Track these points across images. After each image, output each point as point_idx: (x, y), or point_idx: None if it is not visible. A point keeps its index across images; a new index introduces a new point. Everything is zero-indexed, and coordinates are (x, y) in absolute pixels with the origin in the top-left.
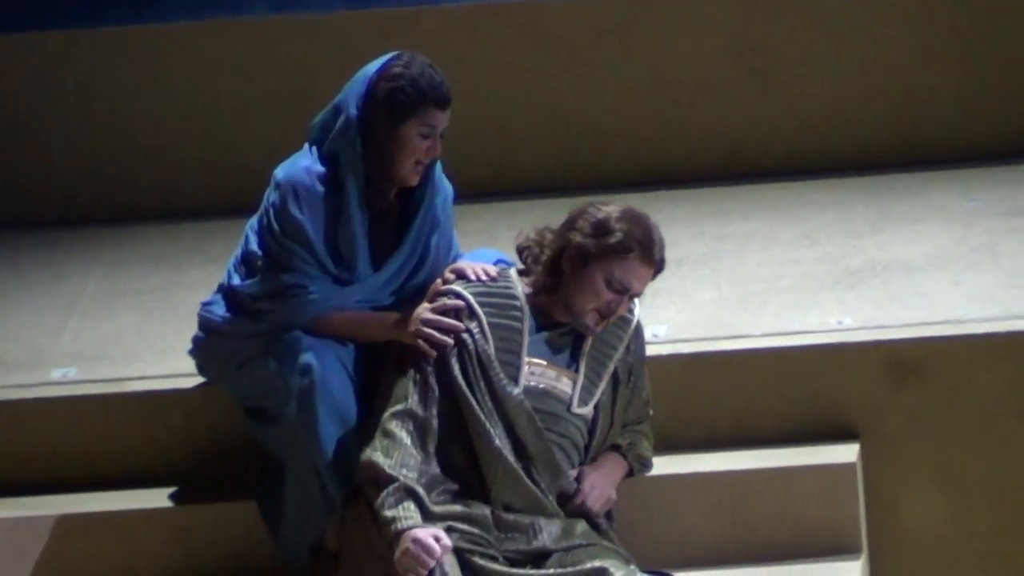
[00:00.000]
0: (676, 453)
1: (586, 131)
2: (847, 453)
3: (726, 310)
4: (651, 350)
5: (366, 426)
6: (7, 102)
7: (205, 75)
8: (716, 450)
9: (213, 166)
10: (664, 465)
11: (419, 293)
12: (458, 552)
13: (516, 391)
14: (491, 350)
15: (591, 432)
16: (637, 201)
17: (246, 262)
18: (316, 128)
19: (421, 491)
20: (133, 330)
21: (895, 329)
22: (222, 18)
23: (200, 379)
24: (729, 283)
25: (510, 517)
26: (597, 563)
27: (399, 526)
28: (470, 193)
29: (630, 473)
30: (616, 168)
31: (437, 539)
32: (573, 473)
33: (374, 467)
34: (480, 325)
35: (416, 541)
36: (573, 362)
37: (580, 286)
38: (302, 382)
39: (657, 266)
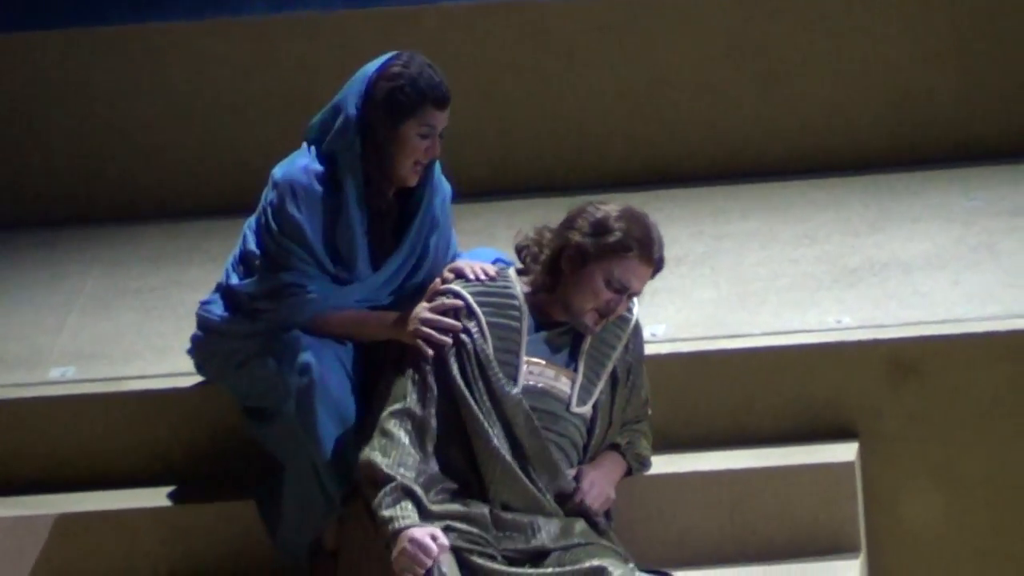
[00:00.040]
0: (675, 452)
1: (585, 130)
2: (846, 452)
3: (725, 309)
4: (650, 349)
5: (365, 425)
6: (6, 101)
7: (204, 74)
8: (715, 449)
9: (212, 165)
10: (663, 464)
11: (418, 292)
12: (456, 551)
13: (515, 390)
14: (490, 349)
15: (590, 431)
16: (636, 200)
17: (244, 261)
18: (315, 128)
19: (419, 490)
20: (132, 329)
21: (894, 328)
22: (222, 17)
23: (199, 378)
24: (728, 282)
25: (508, 516)
26: (595, 562)
27: (396, 525)
28: (469, 192)
29: (629, 472)
30: (615, 167)
31: (434, 538)
32: (572, 472)
33: (372, 466)
34: (479, 324)
35: (413, 541)
36: (572, 361)
37: (579, 285)
38: (301, 381)
39: (656, 265)
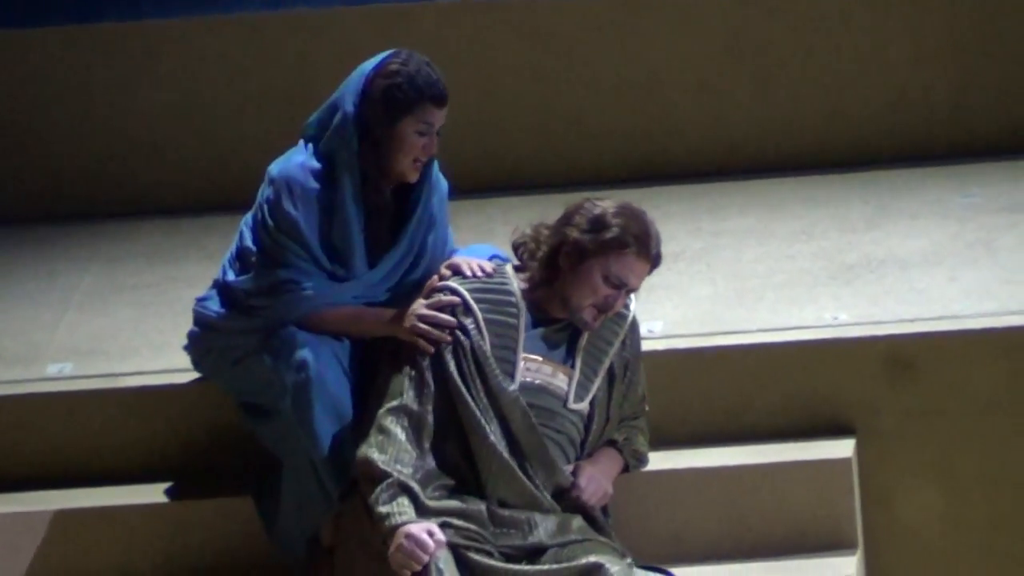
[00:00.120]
0: (672, 448)
1: (583, 127)
2: (843, 449)
3: (722, 306)
4: (647, 345)
5: (362, 422)
6: (3, 98)
7: (202, 71)
8: (712, 445)
9: (209, 162)
10: (660, 460)
11: (415, 289)
12: (453, 548)
13: (512, 387)
14: (487, 346)
15: (587, 428)
16: (633, 197)
17: (241, 258)
18: (312, 125)
19: (416, 487)
20: (129, 325)
21: (891, 325)
22: (219, 14)
23: (196, 374)
24: (725, 279)
25: (505, 513)
26: (592, 558)
27: (393, 522)
28: (466, 189)
29: (626, 468)
30: (612, 164)
31: (431, 534)
32: (569, 468)
33: (369, 463)
34: (476, 321)
35: (409, 537)
36: (569, 358)
37: (577, 281)
38: (297, 377)
39: (653, 261)
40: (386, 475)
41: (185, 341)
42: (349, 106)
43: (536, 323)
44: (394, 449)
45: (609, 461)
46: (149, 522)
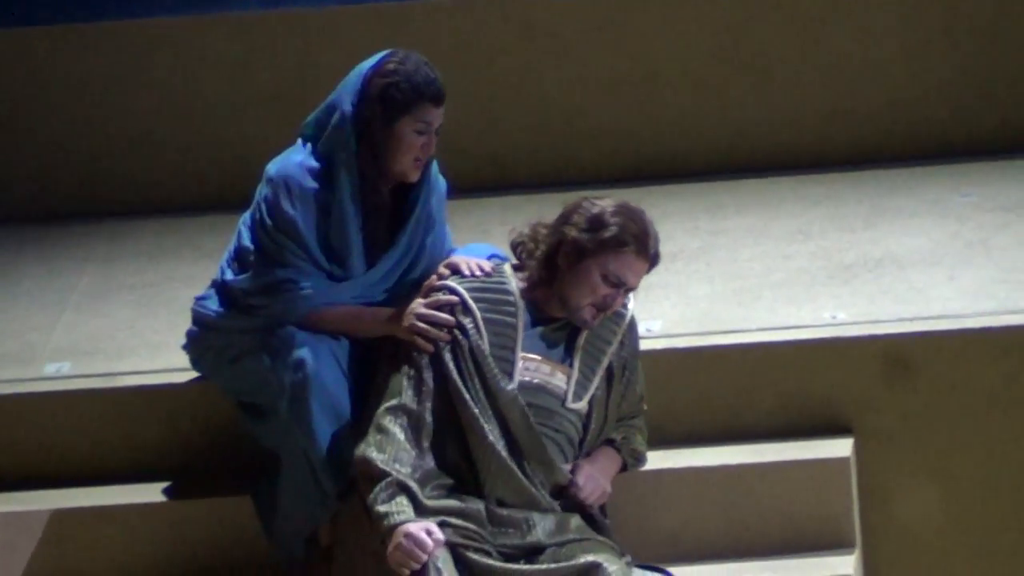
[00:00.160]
0: (670, 448)
1: (579, 126)
2: (841, 448)
3: (720, 305)
4: (645, 345)
5: (360, 421)
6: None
7: (198, 70)
8: (710, 445)
9: (207, 161)
10: (658, 460)
11: (413, 289)
12: (452, 547)
13: (510, 386)
14: (485, 345)
15: (585, 427)
16: (631, 196)
17: (239, 257)
18: (310, 125)
19: (414, 486)
20: (127, 325)
21: (889, 324)
22: (215, 13)
23: (194, 374)
24: (723, 278)
25: (504, 512)
26: (591, 557)
27: (392, 521)
28: (463, 188)
29: (624, 468)
30: (609, 163)
31: (429, 533)
32: (568, 467)
33: (367, 462)
34: (474, 320)
35: (408, 536)
36: (567, 357)
37: (576, 281)
38: (295, 377)
39: (652, 260)
40: (385, 474)
41: (183, 340)
42: (347, 106)
43: (534, 322)
44: (393, 448)
45: (607, 460)
46: (147, 521)
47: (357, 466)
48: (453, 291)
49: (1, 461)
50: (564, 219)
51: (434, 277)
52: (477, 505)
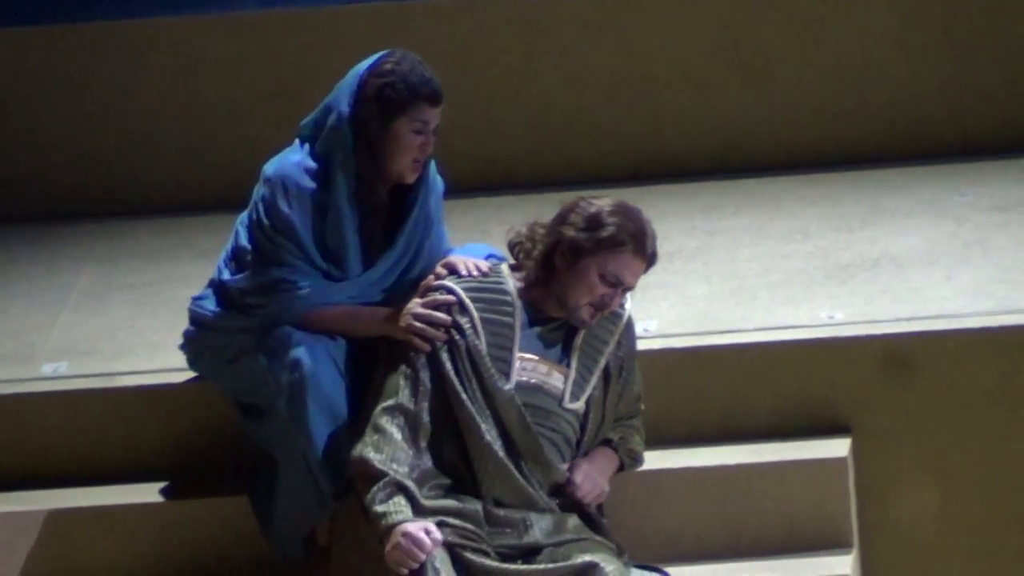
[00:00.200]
0: (667, 448)
1: (577, 126)
2: (838, 447)
3: (717, 305)
4: (642, 345)
5: (357, 421)
6: None
7: (196, 70)
8: (707, 445)
9: (204, 161)
10: (655, 460)
11: (411, 288)
12: (449, 547)
13: (507, 387)
14: (482, 345)
15: (583, 427)
16: (628, 196)
17: (236, 257)
18: (307, 127)
19: (412, 486)
20: (124, 325)
21: (886, 324)
22: (214, 13)
23: (192, 374)
24: (720, 278)
25: (501, 512)
26: (588, 557)
27: (390, 520)
28: (460, 188)
29: (621, 468)
30: (606, 163)
31: (428, 532)
32: (565, 466)
33: (365, 462)
34: (472, 320)
35: (407, 535)
36: (564, 357)
37: (573, 280)
38: (292, 377)
39: (650, 260)
40: (382, 474)
41: (181, 340)
42: (344, 107)
43: (532, 322)
44: (390, 448)
45: (605, 460)
46: (144, 521)
47: (354, 466)
48: (450, 291)
49: None
50: (561, 219)
51: (431, 277)
52: (474, 505)
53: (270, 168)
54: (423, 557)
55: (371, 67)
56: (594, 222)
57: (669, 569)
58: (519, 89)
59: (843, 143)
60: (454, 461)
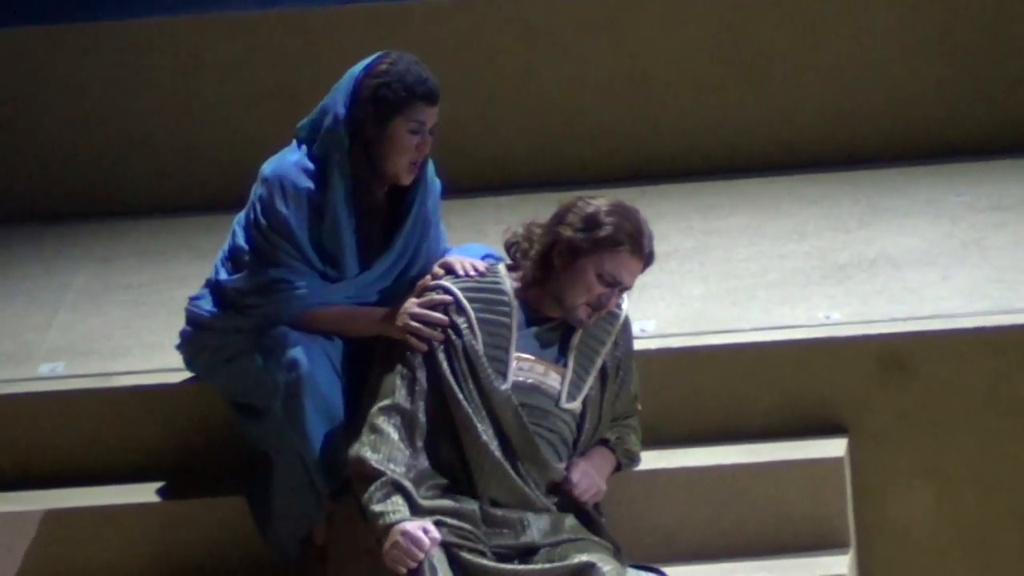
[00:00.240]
0: (664, 448)
1: (575, 126)
2: (835, 448)
3: (714, 305)
4: (639, 345)
5: (354, 421)
6: None
7: (194, 70)
8: (704, 445)
9: (202, 161)
10: (652, 460)
11: (408, 288)
12: (446, 547)
13: (504, 386)
14: (479, 345)
15: (579, 427)
16: (625, 196)
17: (233, 257)
18: (304, 128)
19: (409, 485)
20: (121, 325)
21: (883, 324)
22: (215, 13)
23: (188, 374)
24: (717, 278)
25: (498, 512)
26: (585, 557)
27: (388, 520)
28: (457, 188)
29: (618, 467)
30: (604, 163)
31: (426, 531)
32: (562, 465)
33: (362, 462)
34: (468, 320)
35: (405, 534)
36: (561, 357)
37: (571, 280)
38: (288, 377)
39: (647, 259)
40: (379, 474)
41: (178, 340)
42: (340, 108)
43: (529, 322)
44: (387, 448)
45: (602, 459)
46: (141, 522)
47: (351, 466)
48: (447, 291)
49: None
50: (559, 219)
51: (428, 276)
52: (471, 505)
53: (268, 168)
54: (421, 556)
55: (367, 68)
56: (591, 222)
57: (666, 569)
58: (518, 89)
59: (841, 143)
60: (451, 461)
